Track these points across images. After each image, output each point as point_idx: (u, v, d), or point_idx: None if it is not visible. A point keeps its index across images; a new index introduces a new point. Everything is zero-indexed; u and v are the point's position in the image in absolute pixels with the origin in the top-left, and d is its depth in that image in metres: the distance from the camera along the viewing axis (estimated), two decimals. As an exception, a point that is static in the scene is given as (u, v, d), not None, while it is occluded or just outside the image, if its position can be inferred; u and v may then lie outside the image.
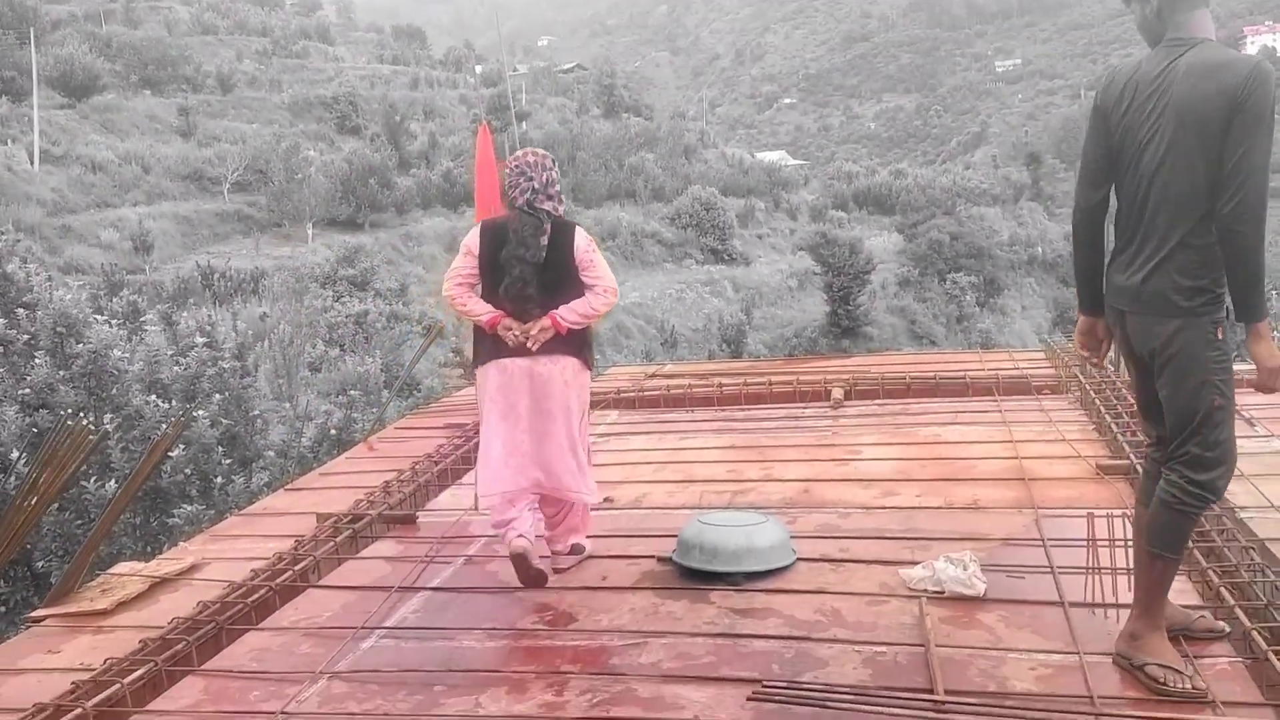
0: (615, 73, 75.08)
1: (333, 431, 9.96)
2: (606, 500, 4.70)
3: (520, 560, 3.76)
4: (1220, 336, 2.72)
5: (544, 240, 3.84)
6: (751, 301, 36.70)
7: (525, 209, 3.87)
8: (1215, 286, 2.69)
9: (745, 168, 57.30)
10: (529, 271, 3.81)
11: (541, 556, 3.97)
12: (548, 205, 3.89)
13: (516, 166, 3.93)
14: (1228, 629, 3.07)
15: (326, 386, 13.55)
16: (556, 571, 4.00)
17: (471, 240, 3.97)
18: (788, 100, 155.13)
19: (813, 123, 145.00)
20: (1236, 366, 2.84)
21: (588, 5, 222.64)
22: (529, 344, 3.84)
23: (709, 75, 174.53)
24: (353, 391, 12.36)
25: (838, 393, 6.75)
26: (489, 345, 3.93)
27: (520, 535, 3.80)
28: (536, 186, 3.88)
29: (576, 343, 3.94)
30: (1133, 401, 5.62)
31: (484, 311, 3.88)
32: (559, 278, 3.87)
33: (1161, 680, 2.72)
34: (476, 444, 5.96)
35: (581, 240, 3.93)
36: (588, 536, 4.20)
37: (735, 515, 4.10)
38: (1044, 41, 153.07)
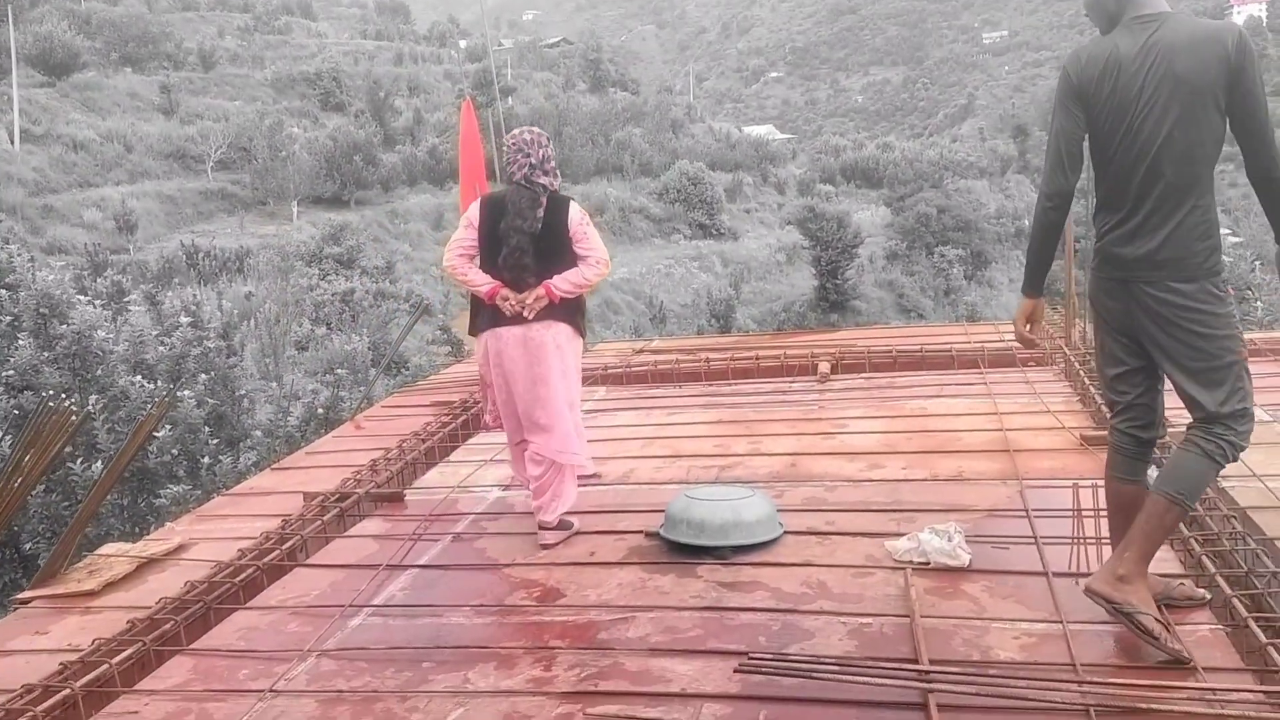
0: (601, 47, 74.61)
1: (320, 410, 9.92)
2: (595, 476, 4.70)
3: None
4: (1229, 292, 2.87)
5: (540, 213, 4.03)
6: (740, 276, 36.68)
7: (523, 183, 4.05)
8: (1218, 246, 2.84)
9: (733, 142, 57.13)
10: (525, 242, 4.00)
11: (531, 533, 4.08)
12: (544, 180, 4.07)
13: (514, 144, 4.10)
14: (1209, 596, 3.11)
15: (313, 365, 13.49)
16: (544, 547, 4.01)
17: (472, 213, 4.16)
18: (775, 74, 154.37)
19: (800, 96, 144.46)
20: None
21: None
22: (525, 312, 4.02)
23: (695, 49, 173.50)
24: (340, 370, 12.32)
25: (824, 366, 6.77)
26: (487, 314, 4.12)
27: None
28: (534, 162, 4.06)
29: (569, 310, 4.11)
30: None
31: (483, 282, 4.07)
32: (553, 248, 4.05)
33: (1155, 635, 2.72)
34: (464, 421, 5.98)
35: (575, 213, 4.12)
36: (574, 513, 4.21)
37: (722, 489, 4.12)
38: (1030, 13, 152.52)
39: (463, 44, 72.27)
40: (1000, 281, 43.65)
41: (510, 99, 52.80)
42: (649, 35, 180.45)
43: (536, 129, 4.20)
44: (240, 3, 66.91)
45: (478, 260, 4.15)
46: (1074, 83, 2.94)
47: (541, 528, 4.08)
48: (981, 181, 53.02)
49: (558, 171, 4.17)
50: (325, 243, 26.27)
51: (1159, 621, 2.77)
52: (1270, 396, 5.26)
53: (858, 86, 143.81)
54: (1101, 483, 3.63)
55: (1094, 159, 2.97)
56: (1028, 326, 3.29)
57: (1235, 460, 2.88)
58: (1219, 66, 2.68)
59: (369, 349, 13.84)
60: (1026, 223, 48.54)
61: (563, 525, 4.12)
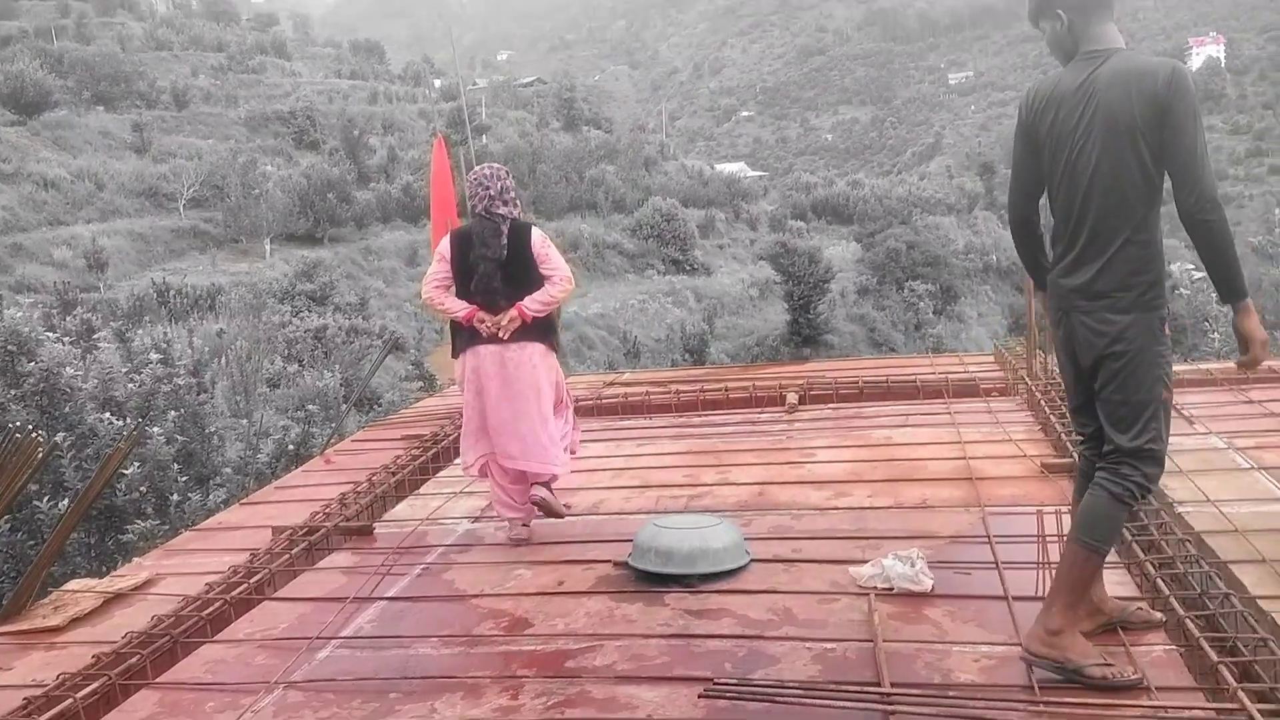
0: (575, 86, 75.19)
1: (290, 447, 9.88)
2: (566, 506, 4.73)
3: (544, 505, 4.44)
4: (1166, 331, 2.85)
5: (504, 240, 4.39)
6: (713, 311, 36.90)
7: (484, 214, 4.42)
8: (1160, 281, 2.83)
9: (705, 179, 57.59)
10: (493, 268, 4.37)
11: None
12: (503, 210, 4.43)
13: (475, 179, 4.46)
14: (1163, 619, 3.17)
15: (285, 402, 13.43)
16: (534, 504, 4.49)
17: (443, 248, 4.55)
18: (746, 113, 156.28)
19: (771, 135, 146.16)
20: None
21: (547, 20, 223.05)
22: (500, 333, 4.38)
23: (668, 89, 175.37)
24: (311, 406, 12.28)
25: (792, 397, 6.84)
26: (465, 336, 4.49)
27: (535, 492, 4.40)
28: (492, 194, 4.42)
29: (542, 329, 4.48)
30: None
31: (459, 308, 4.43)
32: (520, 272, 4.41)
33: (1103, 678, 2.77)
34: (435, 454, 6.00)
35: (537, 237, 4.49)
36: (544, 544, 4.27)
37: (690, 518, 4.17)
38: (995, 54, 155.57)
39: (437, 83, 72.63)
40: (969, 315, 44.13)
41: (484, 137, 53.12)
42: (622, 75, 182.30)
43: (495, 165, 4.56)
44: (214, 42, 67.07)
45: (453, 290, 4.47)
46: (1023, 117, 3.04)
47: (533, 483, 4.42)
48: (949, 218, 53.76)
49: (518, 201, 4.52)
50: (298, 279, 26.23)
51: (1104, 664, 2.81)
52: (1225, 424, 5.39)
53: (827, 125, 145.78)
54: (1063, 509, 3.71)
55: (1047, 192, 3.06)
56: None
57: (1143, 499, 2.93)
58: (1148, 103, 2.71)
59: (341, 385, 13.80)
60: (994, 258, 49.23)
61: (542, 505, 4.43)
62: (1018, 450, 5.26)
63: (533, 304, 4.39)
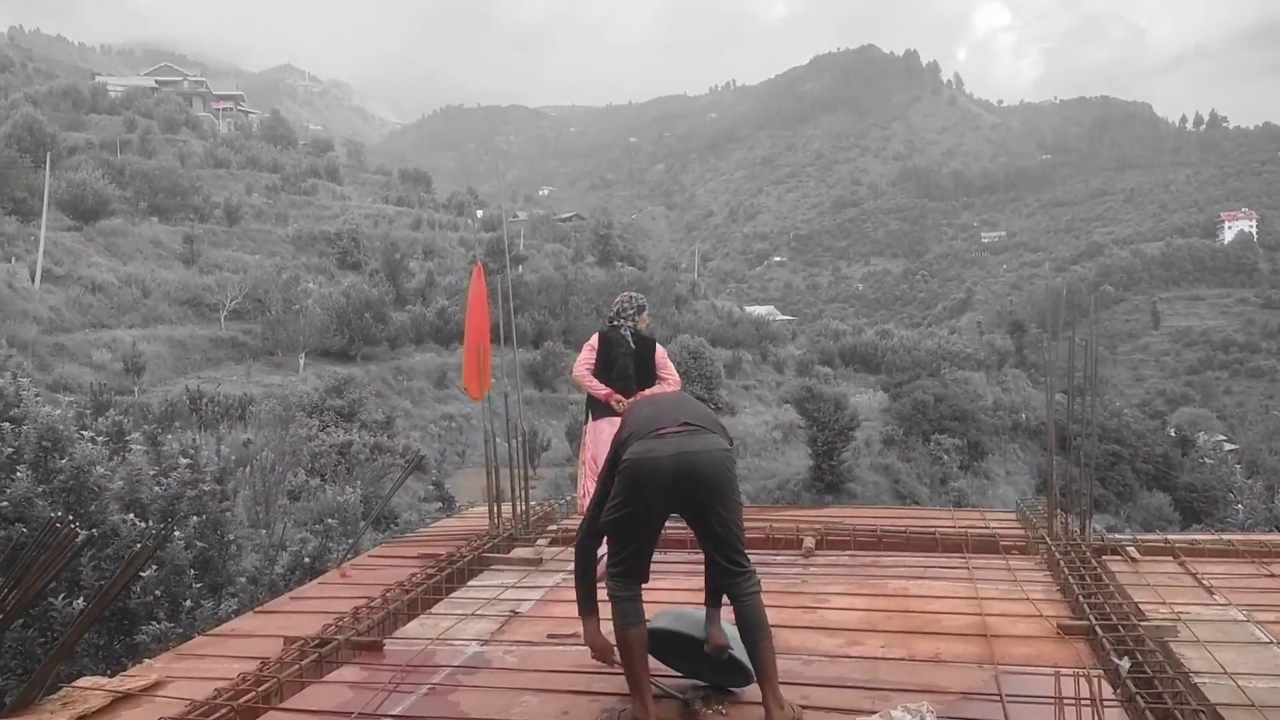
0: (611, 224, 77.45)
1: (306, 560, 9.92)
2: (572, 635, 4.72)
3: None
4: None
5: (631, 344, 6.30)
6: (736, 452, 36.76)
7: (611, 325, 6.46)
8: None
9: (734, 320, 58.50)
10: (629, 363, 6.22)
11: None
12: (628, 323, 6.41)
13: (615, 302, 6.56)
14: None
15: (304, 515, 13.52)
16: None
17: (593, 341, 6.39)
18: (778, 258, 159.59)
19: (802, 280, 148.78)
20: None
21: (589, 159, 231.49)
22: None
23: (702, 231, 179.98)
24: (330, 520, 12.34)
25: (809, 541, 6.83)
26: (601, 408, 6.19)
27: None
28: (612, 314, 6.52)
29: None
30: (1096, 565, 5.76)
31: (603, 389, 6.20)
32: (647, 372, 6.23)
33: None
34: (449, 574, 6.02)
35: (660, 350, 6.40)
36: (552, 672, 4.25)
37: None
38: (1028, 216, 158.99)
39: (479, 213, 75.08)
40: (997, 473, 43.75)
41: (521, 267, 54.46)
42: (659, 215, 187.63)
43: (629, 293, 6.58)
44: (270, 163, 70.03)
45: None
46: None
47: None
48: (979, 373, 53.97)
49: (635, 318, 6.40)
50: (328, 395, 26.62)
51: None
52: (1246, 597, 5.33)
53: (858, 275, 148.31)
54: (1084, 673, 3.69)
55: None
56: None
57: None
58: None
59: (360, 501, 13.89)
60: (1023, 416, 49.11)
61: None
62: (1035, 610, 5.21)
63: (650, 393, 5.66)
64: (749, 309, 73.85)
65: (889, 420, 43.16)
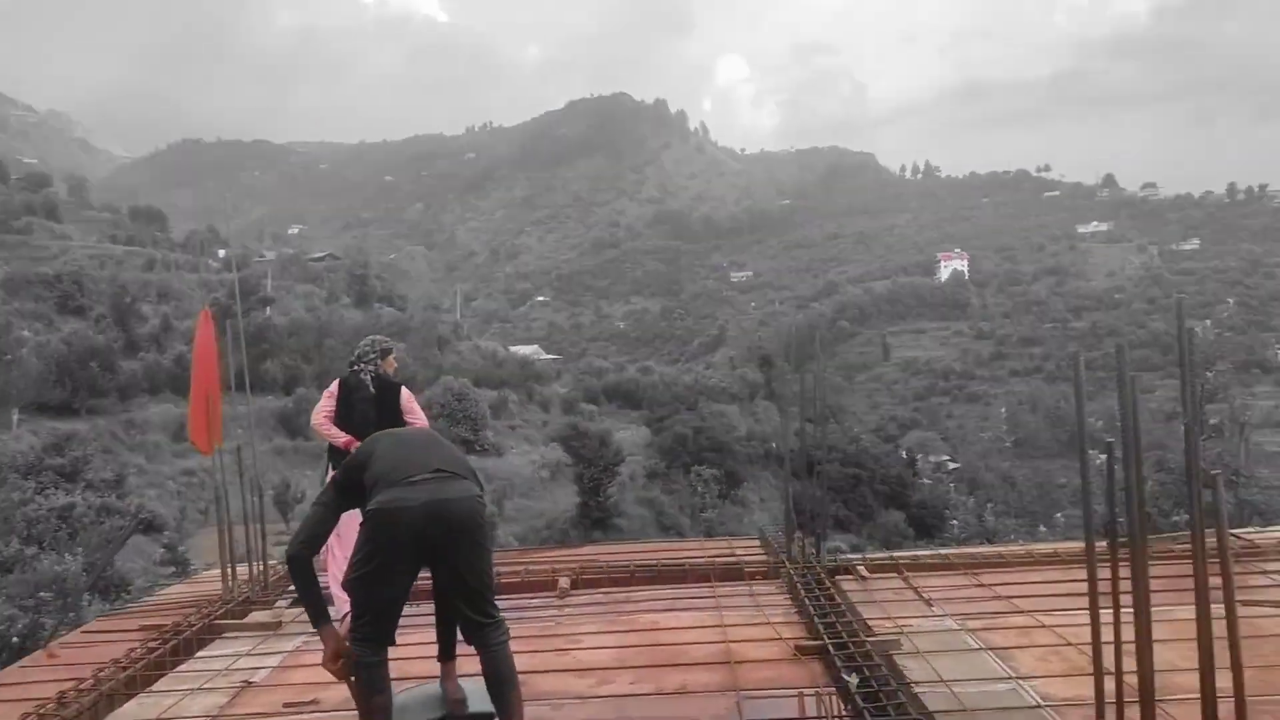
0: (368, 263, 75.37)
1: (15, 639, 8.88)
2: (311, 703, 4.46)
3: None
4: None
5: (371, 389, 6.00)
6: (503, 493, 36.53)
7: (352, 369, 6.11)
8: None
9: (499, 360, 58.27)
10: (370, 409, 5.87)
11: None
12: (370, 367, 6.07)
13: (359, 346, 6.20)
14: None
15: (17, 589, 12.10)
16: None
17: (333, 387, 6.10)
18: (541, 298, 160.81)
19: (565, 320, 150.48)
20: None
21: (342, 197, 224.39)
22: None
23: (464, 270, 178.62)
24: (45, 594, 11.14)
25: (564, 582, 6.82)
26: (343, 457, 5.45)
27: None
28: (355, 357, 6.14)
29: None
30: (830, 585, 6.08)
31: (343, 437, 5.86)
32: (390, 418, 5.74)
33: None
34: (174, 646, 5.54)
35: (406, 394, 6.13)
36: None
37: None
38: (772, 257, 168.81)
39: (221, 253, 70.96)
40: (752, 500, 45.65)
41: (269, 309, 51.81)
42: (418, 255, 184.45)
43: (374, 337, 6.28)
44: (-24, 200, 63.22)
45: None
46: None
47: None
48: (733, 406, 56.40)
49: (377, 361, 6.07)
50: (47, 453, 24.16)
51: None
52: (959, 606, 5.79)
53: (619, 313, 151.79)
54: (821, 691, 3.87)
55: None
56: None
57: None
58: None
59: (83, 570, 12.61)
60: (774, 445, 51.63)
61: None
62: (775, 633, 5.42)
63: None
64: (514, 349, 73.75)
65: (652, 454, 44.22)
